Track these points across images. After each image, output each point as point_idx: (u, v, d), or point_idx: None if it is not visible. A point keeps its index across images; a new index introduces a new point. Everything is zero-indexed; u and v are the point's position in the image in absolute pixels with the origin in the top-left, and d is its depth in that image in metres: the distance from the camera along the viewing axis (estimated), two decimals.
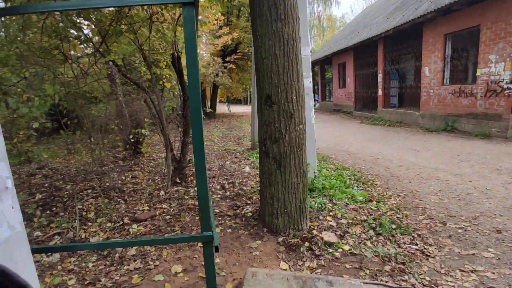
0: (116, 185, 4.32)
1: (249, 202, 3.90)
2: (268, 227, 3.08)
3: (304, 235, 2.92)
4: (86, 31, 4.07)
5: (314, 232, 2.98)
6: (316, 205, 3.65)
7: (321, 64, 20.92)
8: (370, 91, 14.20)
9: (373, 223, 3.28)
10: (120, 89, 7.64)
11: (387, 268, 2.52)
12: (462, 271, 2.46)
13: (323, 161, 6.35)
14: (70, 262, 2.62)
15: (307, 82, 4.38)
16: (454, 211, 3.59)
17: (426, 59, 9.68)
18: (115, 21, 3.83)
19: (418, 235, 3.08)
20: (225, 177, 5.31)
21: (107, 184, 4.43)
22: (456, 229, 3.15)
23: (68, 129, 4.53)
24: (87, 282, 2.35)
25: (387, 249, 2.83)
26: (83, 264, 2.59)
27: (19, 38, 3.13)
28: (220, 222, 3.34)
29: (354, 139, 8.95)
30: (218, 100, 24.24)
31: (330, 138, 9.47)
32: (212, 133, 12.29)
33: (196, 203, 3.87)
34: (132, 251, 2.74)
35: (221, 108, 26.74)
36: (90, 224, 3.33)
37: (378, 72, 12.85)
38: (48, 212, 3.59)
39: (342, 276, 2.39)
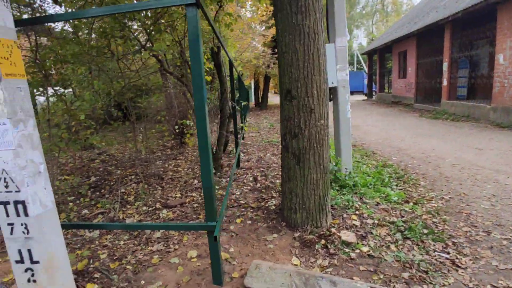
0: (157, 172, 4.71)
1: (275, 195, 3.93)
2: (287, 221, 3.09)
3: (322, 232, 2.87)
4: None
5: (333, 230, 2.90)
6: (342, 202, 3.54)
7: (380, 53, 19.56)
8: (433, 82, 12.92)
9: (402, 225, 3.07)
10: (171, 82, 8.17)
11: (405, 275, 2.36)
12: (494, 286, 2.19)
13: (366, 157, 6.05)
14: (106, 239, 2.97)
15: (343, 75, 4.21)
16: (505, 220, 3.18)
17: (501, 44, 8.44)
18: (156, 20, 4.11)
19: (453, 243, 2.81)
20: (261, 169, 5.39)
21: (149, 171, 4.85)
22: (501, 240, 2.79)
23: (126, 119, 5.03)
24: (116, 257, 2.65)
25: (412, 255, 2.64)
26: (116, 242, 2.92)
27: (73, 39, 3.56)
28: (242, 213, 3.44)
29: (407, 134, 8.30)
30: (273, 91, 24.30)
31: (380, 132, 8.93)
32: (260, 124, 12.45)
33: (223, 193, 4.04)
34: (158, 234, 3.00)
35: (275, 99, 26.83)
36: (129, 206, 3.70)
37: (444, 60, 11.60)
38: (97, 193, 4.09)
39: (352, 278, 2.31)
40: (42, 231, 1.87)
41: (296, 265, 2.51)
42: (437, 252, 2.71)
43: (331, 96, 4.48)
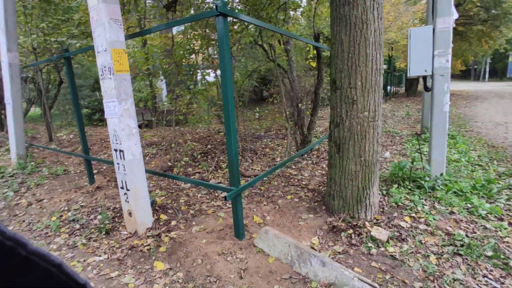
0: (253, 147, 5.50)
1: None
2: (326, 206, 3.22)
3: (354, 223, 2.90)
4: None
5: (367, 224, 2.87)
6: (402, 202, 3.28)
7: None
8: None
9: (462, 240, 2.67)
10: (295, 67, 8.77)
11: (418, 285, 2.20)
12: None
13: (490, 158, 4.89)
14: (191, 190, 4.01)
15: (443, 61, 3.66)
16: None
17: None
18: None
19: None
20: None
21: (251, 146, 5.72)
22: None
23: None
24: (188, 203, 3.60)
25: (452, 272, 2.35)
26: (196, 194, 3.90)
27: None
28: (297, 191, 3.76)
29: None
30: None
31: None
32: (395, 112, 11.37)
33: (294, 173, 4.39)
34: (223, 194, 3.79)
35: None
36: (219, 171, 4.67)
37: None
38: (204, 158, 5.28)
39: (353, 269, 2.37)
40: (132, 171, 2.94)
41: (314, 243, 2.74)
42: (488, 278, 2.29)
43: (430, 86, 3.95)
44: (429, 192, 3.54)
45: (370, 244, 2.65)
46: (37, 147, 6.10)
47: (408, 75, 3.94)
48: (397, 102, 15.26)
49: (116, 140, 2.92)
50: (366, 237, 2.73)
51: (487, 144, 6.09)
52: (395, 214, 3.10)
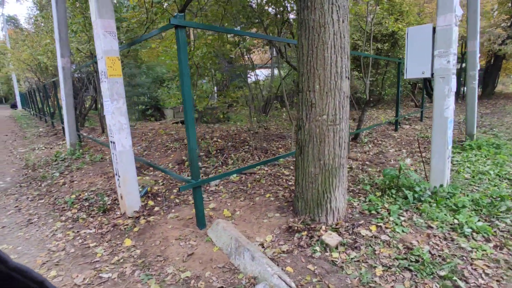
0: (264, 146, 5.66)
1: None
2: (293, 207, 3.26)
3: (313, 226, 2.91)
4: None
5: (323, 227, 2.86)
6: (374, 210, 3.14)
7: None
8: None
9: (419, 255, 2.50)
10: None
11: None
12: None
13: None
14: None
15: (444, 62, 3.35)
16: None
17: None
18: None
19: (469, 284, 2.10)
20: (366, 163, 5.11)
21: (264, 145, 5.88)
22: None
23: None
24: (178, 194, 3.98)
25: (391, 286, 2.27)
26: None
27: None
28: (278, 191, 3.84)
29: None
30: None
31: None
32: (456, 116, 10.17)
33: (286, 173, 4.43)
34: (212, 188, 4.07)
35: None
36: (224, 167, 4.97)
37: None
38: (219, 154, 5.64)
39: (284, 269, 2.43)
40: (122, 160, 3.42)
41: (266, 240, 2.85)
42: None
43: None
44: (413, 203, 3.29)
45: (317, 248, 2.66)
46: (85, 137, 7.22)
47: (404, 77, 3.69)
48: (465, 105, 13.52)
49: (111, 133, 3.44)
50: (317, 240, 2.74)
51: None
52: (361, 222, 3.00)
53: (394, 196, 3.45)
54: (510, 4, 11.64)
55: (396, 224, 2.93)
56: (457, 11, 3.29)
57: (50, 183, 4.87)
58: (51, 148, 7.46)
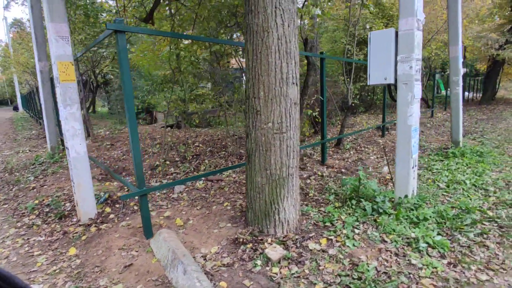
0: (239, 152, 5.56)
1: None
2: (246, 217, 3.15)
3: (260, 238, 2.80)
4: None
5: (269, 240, 2.75)
6: (327, 222, 3.02)
7: None
8: None
9: (362, 272, 2.37)
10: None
11: None
12: None
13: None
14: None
15: (406, 68, 3.22)
16: None
17: None
18: None
19: None
20: (342, 171, 4.98)
21: (241, 151, 5.79)
22: None
23: None
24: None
25: None
26: (156, 193, 4.19)
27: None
28: (238, 199, 3.73)
29: None
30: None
31: None
32: (449, 121, 9.93)
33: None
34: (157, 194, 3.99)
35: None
36: (195, 172, 4.88)
37: None
38: (195, 159, 5.56)
39: (219, 283, 2.33)
40: (76, 166, 3.37)
41: (211, 252, 2.74)
42: None
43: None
44: (372, 215, 3.16)
45: (258, 262, 2.55)
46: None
47: (368, 84, 3.57)
48: (464, 110, 13.14)
49: (65, 139, 3.39)
50: (260, 253, 2.63)
51: None
52: (312, 234, 2.88)
53: (354, 207, 3.32)
54: (510, 9, 11.38)
55: (348, 238, 2.80)
56: (419, 15, 3.16)
57: (22, 187, 4.84)
58: (35, 151, 7.48)
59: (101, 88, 14.69)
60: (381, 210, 3.14)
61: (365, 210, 3.23)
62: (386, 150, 6.38)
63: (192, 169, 5.05)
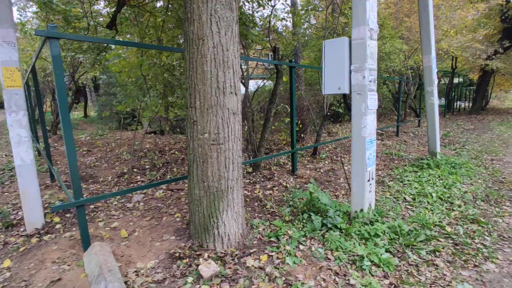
0: None
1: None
2: (189, 230, 3.04)
3: (198, 253, 2.69)
4: None
5: (206, 255, 2.64)
6: (279, 236, 2.90)
7: None
8: None
9: None
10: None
11: None
12: None
13: (476, 196, 3.90)
14: (116, 198, 4.21)
15: (359, 78, 3.13)
16: None
17: None
18: None
19: None
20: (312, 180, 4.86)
21: None
22: None
23: None
24: (93, 210, 3.80)
25: None
26: (113, 202, 4.09)
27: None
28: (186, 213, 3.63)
29: None
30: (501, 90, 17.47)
31: None
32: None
33: None
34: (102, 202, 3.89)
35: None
36: (159, 179, 4.79)
37: None
38: (163, 167, 5.46)
39: None
40: (21, 175, 3.27)
41: (147, 267, 2.63)
42: None
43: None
44: (321, 230, 3.04)
45: (190, 279, 2.43)
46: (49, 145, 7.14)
47: (322, 93, 3.48)
48: (453, 120, 13.10)
49: (12, 146, 3.30)
50: (194, 270, 2.51)
51: (498, 178, 4.88)
52: (254, 250, 2.76)
53: (305, 221, 3.20)
54: (498, 19, 11.35)
55: (289, 254, 2.68)
56: (371, 25, 3.09)
57: None
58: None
59: (92, 92, 14.71)
60: (329, 225, 3.02)
61: (320, 223, 3.11)
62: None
63: (158, 177, 4.95)
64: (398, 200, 4.14)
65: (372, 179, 3.37)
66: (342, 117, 10.05)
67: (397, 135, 9.00)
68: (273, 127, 7.13)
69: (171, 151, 6.82)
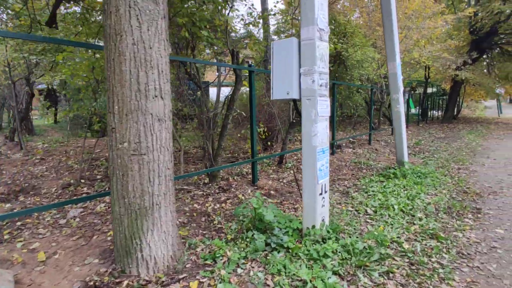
0: None
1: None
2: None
3: (117, 281, 2.32)
4: None
5: (125, 282, 2.27)
6: (217, 258, 2.57)
7: None
8: None
9: None
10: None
11: None
12: None
13: (438, 208, 3.71)
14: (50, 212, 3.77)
15: (308, 82, 2.89)
16: None
17: None
18: None
19: None
20: (272, 192, 4.57)
21: None
22: None
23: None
24: (22, 225, 3.36)
25: None
26: (43, 214, 3.65)
27: None
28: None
29: None
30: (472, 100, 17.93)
31: None
32: (409, 140, 9.80)
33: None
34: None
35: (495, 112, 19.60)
36: (107, 190, 4.37)
37: None
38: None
39: None
40: None
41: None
42: None
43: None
44: (264, 250, 2.73)
45: None
46: None
47: (271, 99, 3.22)
48: (426, 128, 13.21)
49: None
50: None
51: (462, 188, 4.75)
52: (184, 275, 2.42)
53: (249, 239, 2.88)
54: (467, 31, 11.62)
55: (223, 280, 2.35)
56: (320, 24, 2.85)
57: None
58: None
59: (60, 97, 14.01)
60: (274, 245, 2.72)
61: (263, 243, 2.80)
62: (330, 169, 6.04)
63: (107, 188, 4.54)
64: (359, 212, 3.90)
65: (326, 192, 3.10)
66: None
67: (370, 143, 8.90)
68: (239, 135, 6.84)
69: None
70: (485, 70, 13.78)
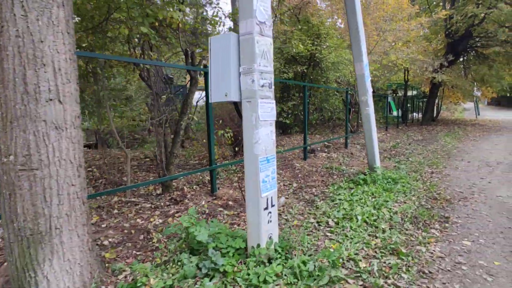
0: (115, 179, 4.71)
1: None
2: None
3: None
4: None
5: None
6: (131, 286, 2.20)
7: None
8: None
9: None
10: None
11: None
12: None
13: (405, 217, 3.43)
14: None
15: (249, 81, 2.58)
16: None
17: None
18: None
19: None
20: (230, 203, 4.22)
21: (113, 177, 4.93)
22: None
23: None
24: None
25: None
26: None
27: None
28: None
29: None
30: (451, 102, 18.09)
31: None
32: (385, 143, 9.62)
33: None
34: None
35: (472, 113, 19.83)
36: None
37: None
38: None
39: None
40: None
41: None
42: None
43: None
44: (194, 277, 2.37)
45: None
46: None
47: (210, 101, 2.88)
48: (405, 130, 13.11)
49: None
50: None
51: (433, 194, 4.50)
52: None
53: (181, 263, 2.51)
54: (444, 34, 11.62)
55: None
56: (260, 17, 2.53)
57: None
58: None
59: None
60: (205, 270, 2.35)
61: (195, 267, 2.43)
62: (299, 176, 5.74)
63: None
64: (320, 225, 3.59)
65: (273, 206, 2.76)
66: (292, 129, 9.62)
67: (346, 146, 8.66)
68: (204, 141, 6.48)
69: (88, 169, 5.94)
70: (462, 73, 13.90)
